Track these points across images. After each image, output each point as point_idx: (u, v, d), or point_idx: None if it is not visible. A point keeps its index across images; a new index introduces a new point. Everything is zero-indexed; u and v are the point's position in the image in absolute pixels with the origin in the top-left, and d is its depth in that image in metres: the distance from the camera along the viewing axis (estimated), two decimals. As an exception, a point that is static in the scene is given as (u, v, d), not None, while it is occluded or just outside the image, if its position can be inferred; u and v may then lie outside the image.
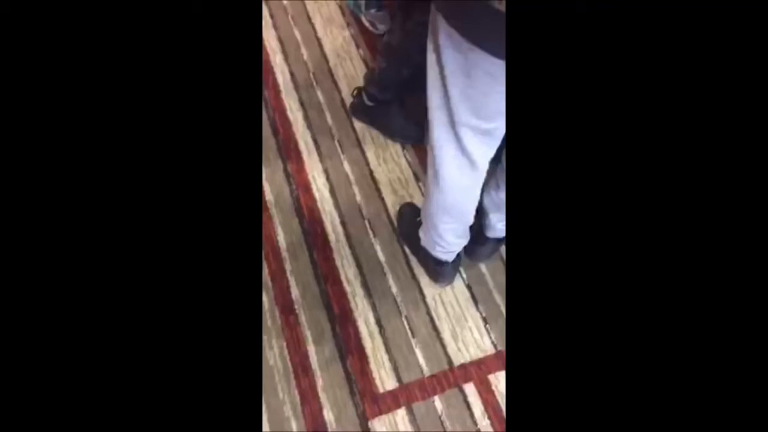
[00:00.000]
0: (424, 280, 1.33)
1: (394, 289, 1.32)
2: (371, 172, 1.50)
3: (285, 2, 1.83)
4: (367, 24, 1.78)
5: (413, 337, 1.26)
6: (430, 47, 0.84)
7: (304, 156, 1.51)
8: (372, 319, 1.28)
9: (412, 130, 1.52)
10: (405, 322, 1.28)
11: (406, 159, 1.53)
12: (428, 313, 1.29)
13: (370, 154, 1.53)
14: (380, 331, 1.26)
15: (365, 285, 1.32)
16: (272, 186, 1.45)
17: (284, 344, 1.23)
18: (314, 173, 1.48)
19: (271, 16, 1.80)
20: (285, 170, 1.48)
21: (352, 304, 1.29)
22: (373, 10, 1.75)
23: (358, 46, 1.74)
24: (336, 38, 1.76)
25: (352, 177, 1.48)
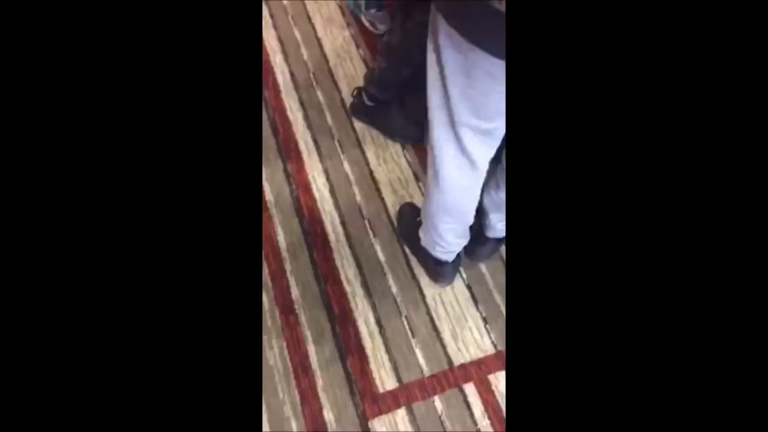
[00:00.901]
0: (424, 280, 1.33)
1: (394, 289, 1.32)
2: (371, 172, 1.50)
3: (285, 2, 1.83)
4: (367, 24, 1.78)
5: (413, 337, 1.26)
6: (430, 47, 0.84)
7: (304, 156, 1.51)
8: (372, 319, 1.28)
9: (412, 130, 1.52)
10: (405, 322, 1.28)
11: (406, 159, 1.53)
12: (428, 313, 1.29)
13: (370, 154, 1.53)
14: (380, 331, 1.26)
15: (365, 285, 1.32)
16: (272, 186, 1.45)
17: (284, 344, 1.23)
18: (314, 173, 1.48)
19: (271, 16, 1.80)
20: (285, 170, 1.48)
21: (352, 304, 1.29)
22: (373, 10, 1.75)
23: (358, 46, 1.74)
24: (336, 38, 1.76)
25: (352, 177, 1.48)
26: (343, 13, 1.82)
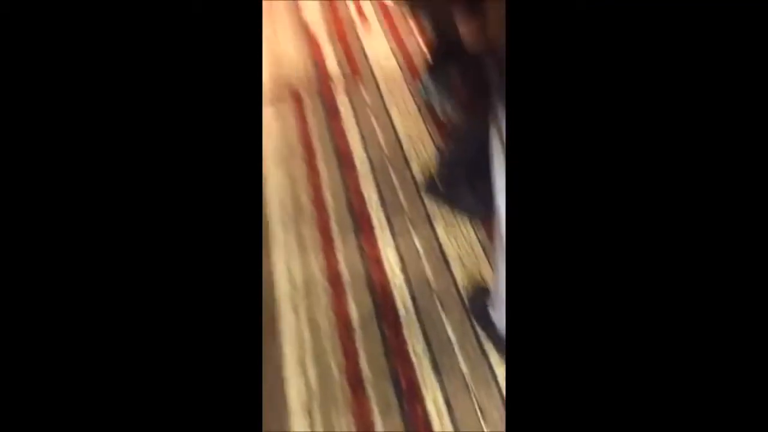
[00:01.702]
0: (494, 357, 1.30)
1: (463, 367, 1.29)
2: (440, 246, 1.53)
3: (364, 94, 2.01)
4: (437, 110, 1.90)
5: (483, 418, 1.21)
6: (493, 129, 0.90)
7: (377, 232, 1.58)
8: (440, 398, 1.25)
9: (480, 207, 1.56)
10: (474, 401, 1.23)
11: (476, 235, 1.55)
12: (499, 392, 1.24)
13: (440, 231, 1.57)
14: (448, 411, 1.23)
15: (434, 361, 1.31)
16: (345, 260, 1.52)
17: (351, 418, 1.23)
18: (386, 249, 1.54)
19: (353, 108, 1.98)
20: (358, 245, 1.56)
21: (420, 380, 1.28)
22: (444, 97, 1.88)
23: (429, 132, 1.85)
24: (409, 125, 1.89)
25: (422, 252, 1.52)
26: (416, 102, 1.96)
